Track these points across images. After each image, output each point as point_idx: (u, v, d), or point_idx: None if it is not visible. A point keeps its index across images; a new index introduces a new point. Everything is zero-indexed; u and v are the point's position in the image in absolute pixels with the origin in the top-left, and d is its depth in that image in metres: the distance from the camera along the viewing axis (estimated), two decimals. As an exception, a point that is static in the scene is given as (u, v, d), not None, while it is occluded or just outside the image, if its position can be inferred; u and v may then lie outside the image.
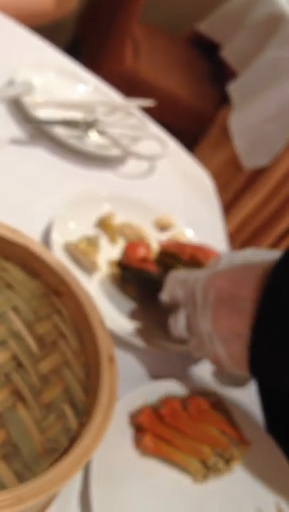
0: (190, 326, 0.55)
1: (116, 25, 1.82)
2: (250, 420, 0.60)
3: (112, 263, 0.69)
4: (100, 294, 0.65)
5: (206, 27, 2.18)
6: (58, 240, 0.66)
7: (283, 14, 1.81)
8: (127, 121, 0.93)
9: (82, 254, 0.66)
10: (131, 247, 0.70)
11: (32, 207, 0.70)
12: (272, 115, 1.77)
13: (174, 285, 0.56)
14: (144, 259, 0.68)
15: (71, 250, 0.66)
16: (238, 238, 2.03)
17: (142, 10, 1.82)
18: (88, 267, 0.67)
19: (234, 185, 1.95)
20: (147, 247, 0.70)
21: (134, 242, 0.72)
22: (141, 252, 0.69)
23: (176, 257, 0.68)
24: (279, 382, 0.50)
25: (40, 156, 0.78)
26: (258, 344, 0.48)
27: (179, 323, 0.55)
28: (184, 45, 2.35)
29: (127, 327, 0.63)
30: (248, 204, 1.93)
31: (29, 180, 0.73)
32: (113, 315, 0.64)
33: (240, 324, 0.49)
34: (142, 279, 0.66)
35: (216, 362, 0.54)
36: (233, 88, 1.90)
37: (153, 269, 0.66)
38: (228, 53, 2.01)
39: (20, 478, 0.35)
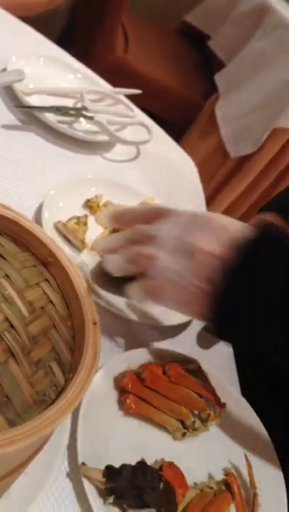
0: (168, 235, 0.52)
1: (106, 15, 1.85)
2: (226, 385, 0.64)
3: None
4: (86, 271, 0.69)
5: (193, 18, 2.21)
6: (48, 219, 0.70)
7: (269, 5, 1.85)
8: (115, 108, 0.97)
9: (71, 232, 0.70)
10: None
11: (23, 189, 0.73)
12: (257, 104, 1.82)
13: (159, 208, 0.55)
14: None
15: (60, 229, 0.70)
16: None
17: (132, 1, 1.85)
18: (77, 245, 0.71)
19: (221, 172, 2.00)
20: None
21: None
22: None
23: None
24: (240, 339, 0.52)
25: (32, 141, 0.81)
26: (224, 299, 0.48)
27: (163, 227, 0.52)
28: (173, 35, 2.38)
29: (112, 300, 0.67)
30: (235, 191, 1.97)
31: (20, 163, 0.77)
32: (99, 290, 0.68)
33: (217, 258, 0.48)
34: None
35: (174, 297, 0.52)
36: (219, 77, 1.94)
37: None
38: (216, 43, 2.04)
39: (12, 424, 0.39)
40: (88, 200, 0.76)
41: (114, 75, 1.39)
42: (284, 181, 2.00)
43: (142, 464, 0.49)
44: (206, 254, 0.49)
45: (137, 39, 2.11)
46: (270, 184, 1.98)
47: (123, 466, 0.49)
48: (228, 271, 0.48)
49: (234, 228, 0.50)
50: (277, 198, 0.88)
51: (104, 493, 0.48)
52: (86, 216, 0.74)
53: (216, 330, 0.53)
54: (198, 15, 2.21)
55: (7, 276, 0.46)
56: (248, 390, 0.67)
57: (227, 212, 2.06)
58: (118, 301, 0.67)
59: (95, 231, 0.74)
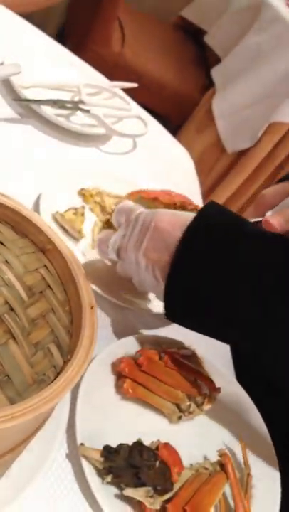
0: (120, 248, 0.59)
1: (102, 10, 1.86)
2: (220, 369, 0.66)
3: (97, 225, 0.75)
4: (84, 260, 0.71)
5: (190, 13, 2.22)
6: (45, 210, 0.71)
7: (264, 0, 1.86)
8: (111, 101, 0.98)
9: (68, 223, 0.72)
10: None
11: (21, 181, 0.75)
12: (253, 99, 1.83)
13: (122, 210, 0.61)
14: None
15: (58, 220, 0.72)
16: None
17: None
18: (74, 235, 0.72)
19: (218, 167, 2.01)
20: None
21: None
22: None
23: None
24: (190, 321, 0.57)
25: (29, 134, 0.83)
26: (172, 283, 0.54)
27: (111, 241, 0.60)
28: (169, 30, 2.39)
29: (110, 288, 0.68)
30: (232, 186, 1.99)
31: (19, 156, 0.78)
32: (97, 277, 0.69)
33: (163, 259, 0.54)
34: None
35: (138, 284, 0.61)
36: (216, 72, 1.95)
37: None
38: (212, 38, 2.05)
39: (12, 402, 0.41)
40: (82, 189, 0.78)
41: (111, 69, 1.40)
42: (281, 176, 2.01)
43: (138, 443, 0.51)
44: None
45: (134, 34, 2.12)
46: (267, 178, 2.00)
47: (120, 445, 0.50)
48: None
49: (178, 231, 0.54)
50: None
51: (102, 473, 0.49)
52: (83, 207, 0.75)
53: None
54: (195, 10, 2.22)
55: (7, 261, 0.47)
56: (243, 374, 0.69)
57: (226, 205, 2.07)
58: (115, 289, 0.69)
59: (91, 222, 0.76)
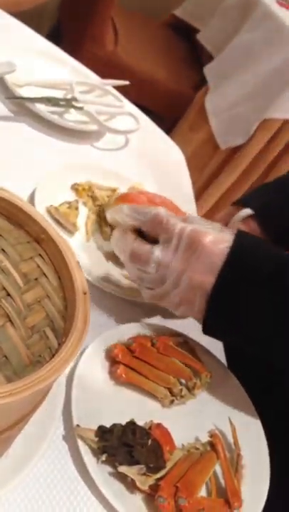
0: (160, 264, 0.60)
1: (95, 9, 1.88)
2: (212, 356, 0.68)
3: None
4: (79, 253, 0.73)
5: (182, 11, 2.24)
6: (40, 204, 0.73)
7: (256, -2, 1.88)
8: (104, 99, 1.01)
9: (63, 216, 0.74)
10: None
11: (15, 177, 0.77)
12: (246, 95, 1.85)
13: (156, 221, 0.61)
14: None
15: (53, 213, 0.74)
16: (215, 218, 2.12)
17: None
18: (69, 228, 0.74)
19: (212, 164, 2.03)
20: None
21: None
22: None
23: None
24: (229, 339, 0.63)
25: (23, 131, 0.85)
26: (215, 305, 0.57)
27: (155, 257, 0.60)
28: (162, 28, 2.41)
29: (103, 278, 0.71)
30: (225, 182, 2.01)
31: (13, 152, 0.80)
32: (91, 270, 0.71)
33: (208, 280, 0.57)
34: None
35: (173, 306, 0.62)
36: (209, 70, 1.97)
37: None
38: (204, 37, 2.08)
39: (11, 381, 0.43)
40: (75, 184, 0.80)
41: (105, 68, 1.42)
42: (273, 172, 2.04)
43: (131, 423, 0.53)
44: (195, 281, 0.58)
45: (127, 33, 2.14)
46: (260, 175, 2.02)
47: (114, 425, 0.52)
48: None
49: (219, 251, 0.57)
50: (255, 194, 0.92)
51: (97, 452, 0.52)
52: (77, 201, 0.77)
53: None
54: (187, 8, 2.24)
55: (3, 250, 0.50)
56: (233, 361, 0.71)
57: (218, 203, 2.10)
58: (109, 279, 0.71)
59: (84, 216, 0.78)
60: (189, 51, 2.35)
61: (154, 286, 0.62)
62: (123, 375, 0.59)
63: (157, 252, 0.60)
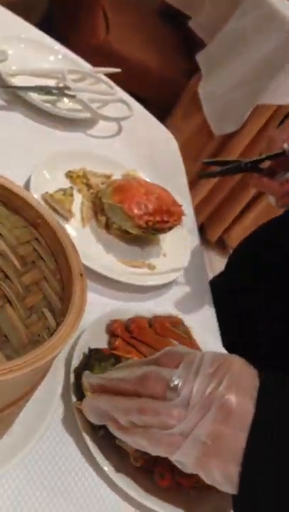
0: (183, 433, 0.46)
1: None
2: (207, 337, 0.70)
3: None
4: (75, 238, 0.74)
5: (172, -1, 2.24)
6: (35, 191, 0.74)
7: (246, -17, 1.88)
8: (96, 87, 1.01)
9: (58, 203, 0.75)
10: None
11: (10, 166, 0.78)
12: (239, 82, 1.85)
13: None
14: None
15: (48, 200, 0.75)
16: (208, 206, 2.14)
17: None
18: (64, 215, 0.75)
19: (206, 151, 2.04)
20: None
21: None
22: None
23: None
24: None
25: (17, 120, 0.86)
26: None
27: (180, 428, 0.46)
28: (153, 16, 2.41)
29: (100, 263, 0.72)
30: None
31: (7, 141, 0.81)
32: (87, 253, 0.73)
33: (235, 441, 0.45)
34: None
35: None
36: (201, 57, 1.97)
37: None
38: (196, 23, 2.08)
39: (10, 360, 0.45)
40: (69, 171, 0.81)
41: (97, 57, 1.42)
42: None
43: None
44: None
45: (118, 21, 2.14)
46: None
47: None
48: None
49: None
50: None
51: (96, 428, 0.53)
52: (72, 188, 0.79)
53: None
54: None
55: (0, 234, 0.51)
56: (229, 343, 0.73)
57: (213, 191, 2.11)
58: (105, 264, 0.72)
59: (79, 203, 0.79)
60: (181, 38, 2.35)
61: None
62: (120, 347, 0.61)
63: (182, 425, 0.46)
